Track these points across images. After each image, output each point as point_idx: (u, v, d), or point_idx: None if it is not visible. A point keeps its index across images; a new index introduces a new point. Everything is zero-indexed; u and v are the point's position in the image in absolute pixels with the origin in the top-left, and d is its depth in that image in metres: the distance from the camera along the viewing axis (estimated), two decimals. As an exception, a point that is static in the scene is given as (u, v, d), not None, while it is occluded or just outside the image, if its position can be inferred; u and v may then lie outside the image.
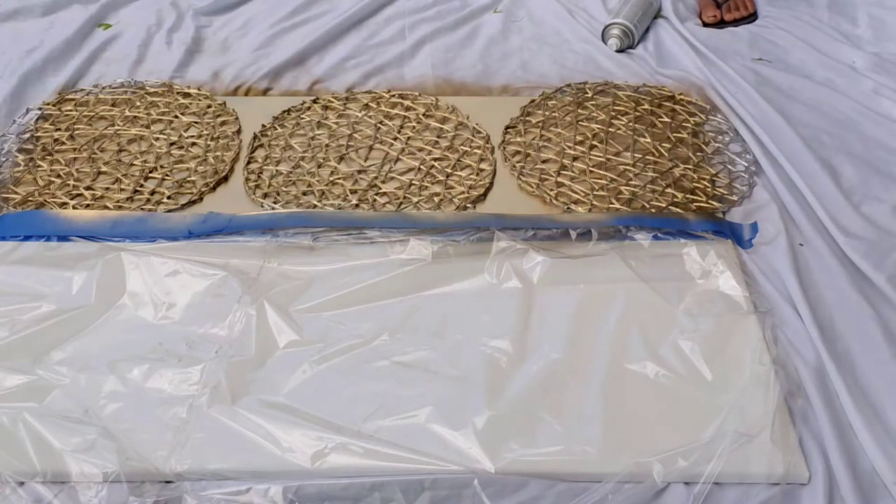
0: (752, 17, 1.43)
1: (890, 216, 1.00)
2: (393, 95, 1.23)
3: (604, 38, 1.36)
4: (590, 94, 1.23)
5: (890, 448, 0.77)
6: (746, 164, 1.10)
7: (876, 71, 1.26)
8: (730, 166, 1.10)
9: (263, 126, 1.17)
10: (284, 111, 1.20)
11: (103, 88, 1.25)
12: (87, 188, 1.07)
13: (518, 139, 1.15)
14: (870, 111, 1.19)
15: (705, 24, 1.42)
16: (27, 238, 0.99)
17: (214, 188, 1.08)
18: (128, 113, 1.19)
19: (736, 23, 1.41)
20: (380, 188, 1.07)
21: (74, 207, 1.04)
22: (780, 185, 1.06)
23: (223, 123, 1.18)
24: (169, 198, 1.06)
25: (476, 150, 1.13)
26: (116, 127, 1.17)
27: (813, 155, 1.09)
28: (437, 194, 1.06)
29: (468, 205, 1.05)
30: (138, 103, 1.21)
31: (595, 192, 1.06)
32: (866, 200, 1.03)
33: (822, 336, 0.86)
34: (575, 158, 1.12)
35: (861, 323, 0.88)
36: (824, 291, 0.92)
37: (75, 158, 1.12)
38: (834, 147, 1.12)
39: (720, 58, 1.29)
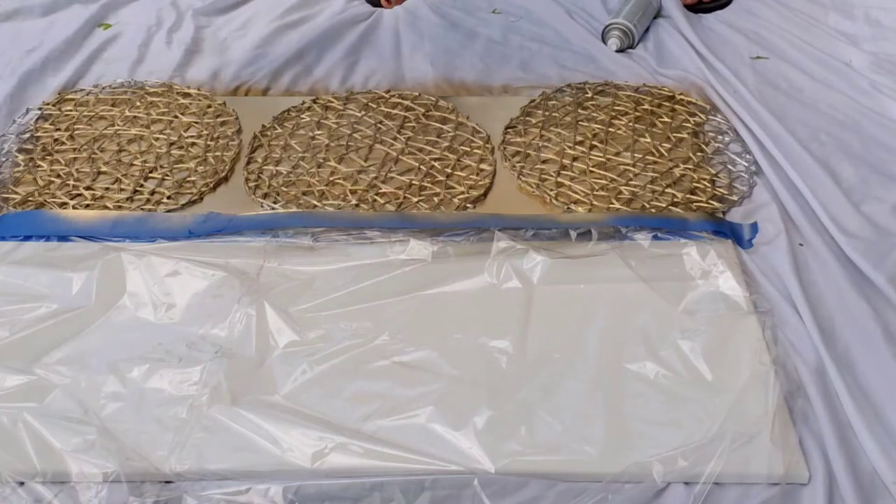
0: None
1: (890, 216, 1.00)
2: (393, 95, 1.23)
3: (604, 38, 1.35)
4: (590, 94, 1.23)
5: (890, 448, 0.77)
6: (746, 164, 1.10)
7: (874, 70, 1.26)
8: (730, 166, 1.10)
9: (263, 126, 1.17)
10: (284, 111, 1.20)
11: (103, 88, 1.25)
12: (87, 188, 1.07)
13: (518, 139, 1.15)
14: (869, 110, 1.18)
15: (686, 6, 1.43)
16: (27, 238, 0.99)
17: (214, 188, 1.08)
18: (128, 113, 1.19)
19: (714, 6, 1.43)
20: (380, 188, 1.07)
21: (74, 207, 1.04)
22: (779, 185, 1.06)
23: (223, 123, 1.18)
24: (169, 198, 1.06)
25: (476, 151, 1.13)
26: (116, 127, 1.17)
27: (812, 155, 1.09)
28: (437, 194, 1.06)
29: (468, 205, 1.05)
30: (138, 103, 1.21)
31: (595, 192, 1.06)
32: (866, 200, 1.03)
33: (822, 336, 0.86)
34: (575, 158, 1.12)
35: (861, 323, 0.88)
36: (824, 291, 0.91)
37: (75, 158, 1.12)
38: (833, 146, 1.12)
39: (720, 58, 1.29)
